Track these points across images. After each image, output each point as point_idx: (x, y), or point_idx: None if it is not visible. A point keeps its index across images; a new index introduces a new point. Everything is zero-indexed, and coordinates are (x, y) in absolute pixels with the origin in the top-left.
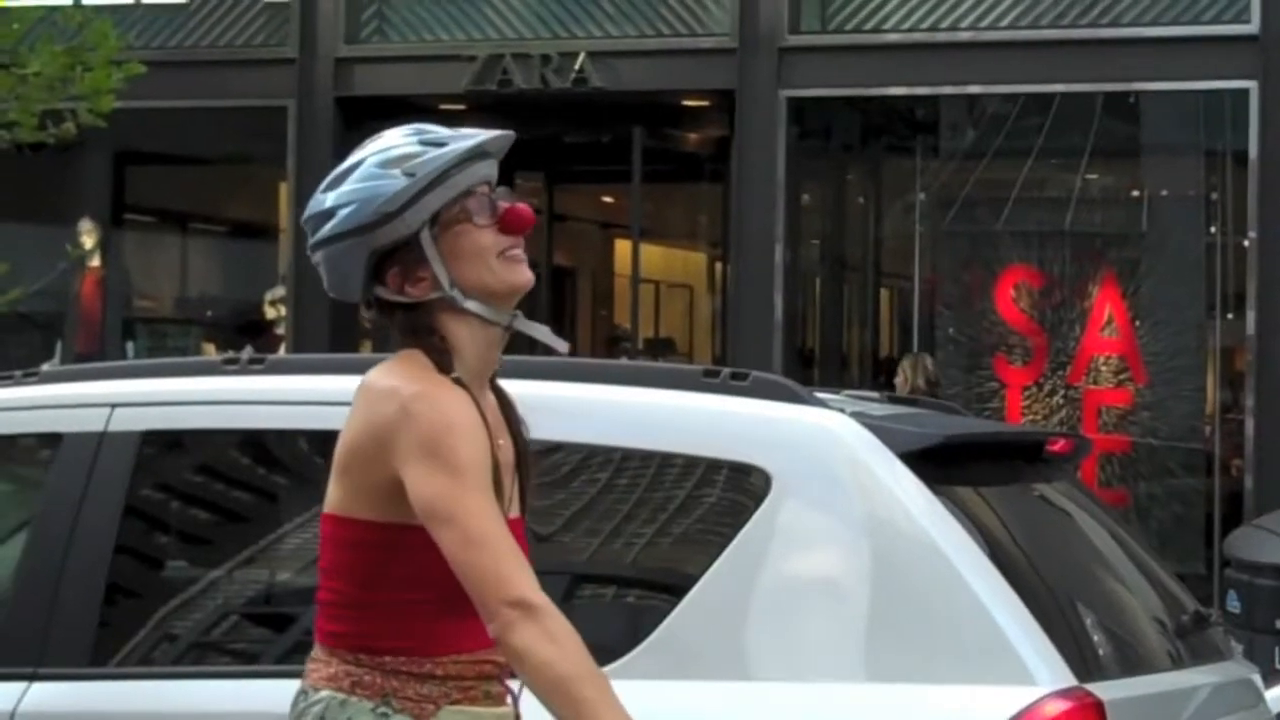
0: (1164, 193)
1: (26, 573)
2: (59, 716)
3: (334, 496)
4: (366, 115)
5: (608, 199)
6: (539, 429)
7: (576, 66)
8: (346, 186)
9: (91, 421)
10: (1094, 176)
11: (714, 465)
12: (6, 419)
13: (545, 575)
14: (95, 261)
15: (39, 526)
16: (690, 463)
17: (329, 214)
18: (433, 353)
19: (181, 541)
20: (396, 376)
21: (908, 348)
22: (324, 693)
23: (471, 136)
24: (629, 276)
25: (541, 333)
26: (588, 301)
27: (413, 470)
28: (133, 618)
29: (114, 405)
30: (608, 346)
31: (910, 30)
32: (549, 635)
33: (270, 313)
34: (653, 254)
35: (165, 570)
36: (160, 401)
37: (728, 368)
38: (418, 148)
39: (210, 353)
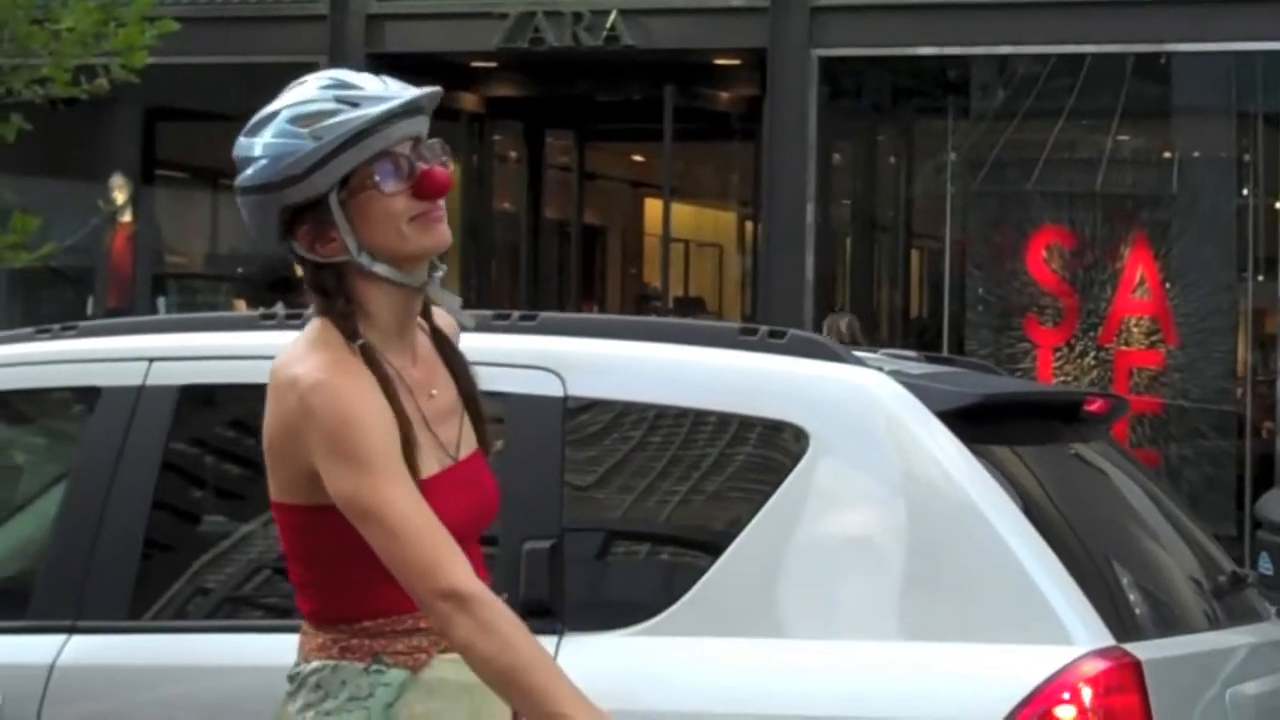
0: (1195, 154)
1: (65, 526)
2: (97, 669)
3: (270, 484)
4: (398, 72)
5: (638, 158)
6: (577, 385)
7: (608, 24)
8: (263, 138)
9: (129, 375)
10: (1125, 138)
11: (751, 423)
12: (45, 372)
13: (583, 531)
14: (126, 217)
15: (77, 480)
16: (728, 420)
17: (245, 162)
18: (338, 318)
19: (217, 496)
20: (297, 361)
21: (938, 308)
22: (315, 663)
23: (389, 98)
24: (659, 235)
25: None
26: (617, 260)
27: (323, 467)
28: (170, 571)
29: (152, 359)
30: (637, 305)
31: None
32: (486, 626)
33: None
34: (683, 213)
35: (201, 524)
36: (198, 356)
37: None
38: (331, 105)
39: (241, 309)
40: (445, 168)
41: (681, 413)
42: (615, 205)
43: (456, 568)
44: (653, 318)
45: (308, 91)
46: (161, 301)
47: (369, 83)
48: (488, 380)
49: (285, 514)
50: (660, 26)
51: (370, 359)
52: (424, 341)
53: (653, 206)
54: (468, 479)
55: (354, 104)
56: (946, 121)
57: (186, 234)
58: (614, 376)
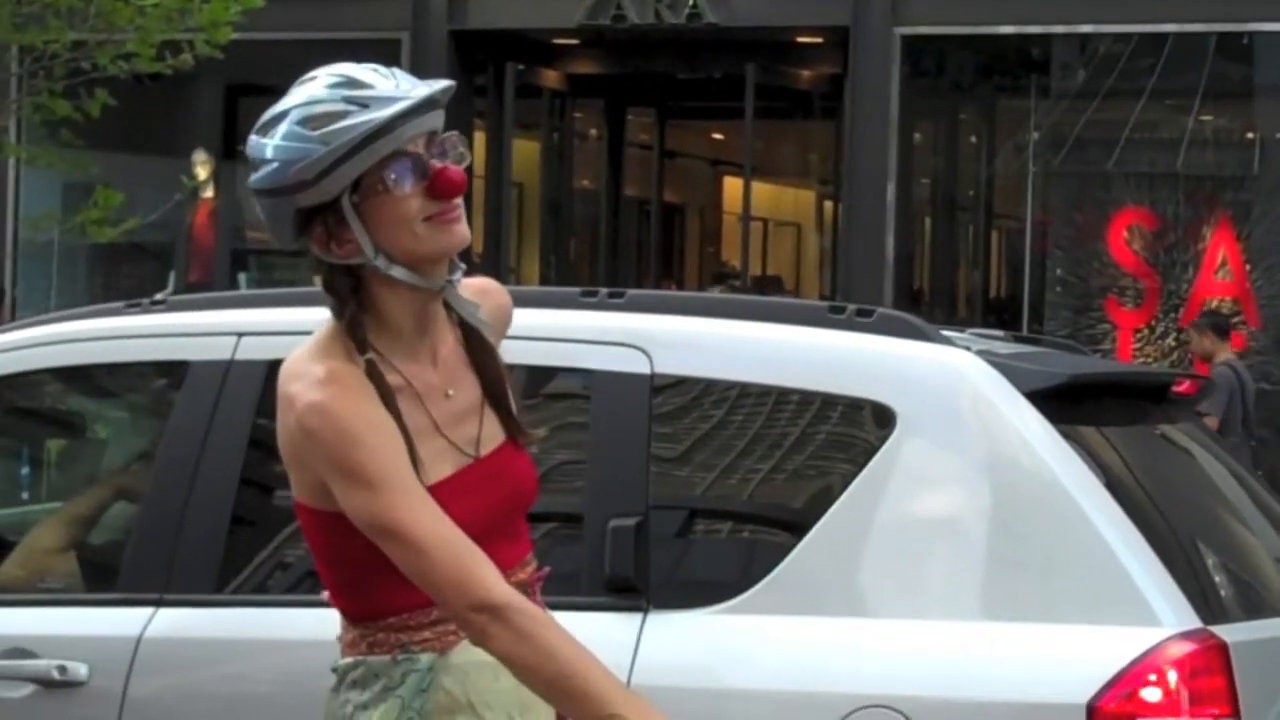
0: (1278, 135)
1: (153, 499)
2: (184, 641)
3: (291, 483)
4: (480, 48)
5: (718, 136)
6: (664, 363)
7: (690, 2)
8: (274, 139)
9: (219, 350)
10: (1207, 118)
11: (838, 401)
12: (135, 346)
13: (668, 509)
14: (208, 193)
15: (166, 453)
16: (815, 399)
17: (258, 163)
18: (349, 325)
19: None
20: (295, 376)
21: (1018, 288)
22: (347, 659)
23: (399, 98)
24: (738, 214)
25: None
26: (696, 238)
27: (333, 485)
28: (255, 546)
29: (241, 334)
30: (715, 283)
31: None
32: (525, 635)
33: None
34: (761, 191)
35: (286, 500)
36: (287, 331)
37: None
38: (340, 106)
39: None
40: (460, 164)
41: (768, 391)
42: (695, 183)
43: (487, 578)
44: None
45: (317, 90)
46: (242, 277)
47: (379, 81)
48: (575, 357)
49: (307, 515)
50: (742, 4)
51: (373, 372)
52: (450, 339)
53: (732, 185)
54: (492, 473)
55: (364, 105)
56: (1028, 101)
57: None
58: (701, 354)
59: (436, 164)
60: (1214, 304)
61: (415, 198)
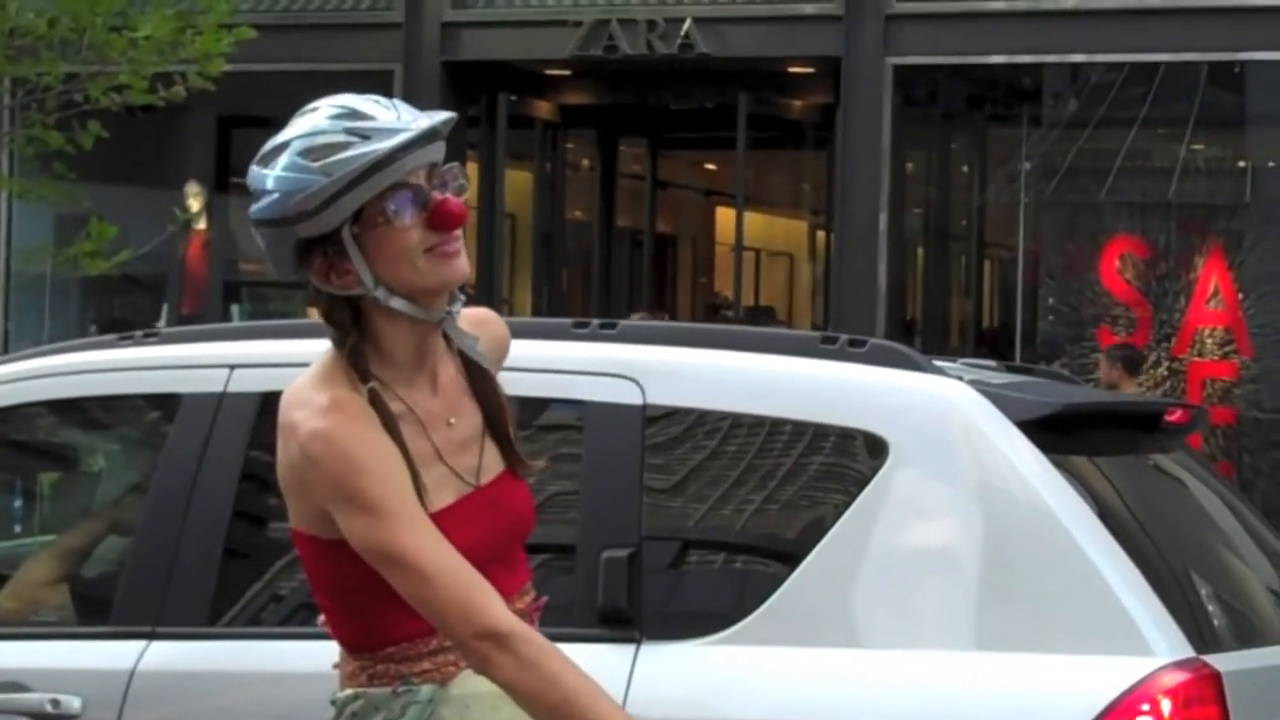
0: (1270, 164)
1: (146, 532)
2: (177, 674)
3: (289, 512)
4: (473, 79)
5: (710, 166)
6: (656, 393)
7: (682, 32)
8: (275, 170)
9: (211, 382)
10: (1199, 147)
11: (831, 432)
12: (127, 379)
13: (661, 540)
14: (201, 224)
15: (158, 486)
16: (808, 429)
17: (259, 194)
18: (350, 355)
19: None
20: (298, 405)
21: (1010, 317)
22: (347, 691)
23: (400, 130)
24: (731, 244)
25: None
26: (688, 268)
27: (336, 513)
28: (248, 578)
29: (233, 366)
30: (708, 314)
31: None
32: (529, 662)
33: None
34: (753, 221)
35: (279, 532)
36: (279, 363)
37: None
38: (341, 138)
39: (314, 317)
40: (461, 195)
41: (761, 421)
42: (687, 213)
43: (491, 606)
44: (733, 325)
45: (319, 121)
46: (235, 309)
47: (380, 112)
48: (567, 388)
49: (305, 544)
50: (734, 34)
51: (375, 399)
52: (450, 368)
53: (725, 215)
54: (492, 502)
55: (365, 136)
56: (1020, 130)
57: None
58: (694, 385)
59: (437, 196)
60: (1206, 333)
61: (416, 229)
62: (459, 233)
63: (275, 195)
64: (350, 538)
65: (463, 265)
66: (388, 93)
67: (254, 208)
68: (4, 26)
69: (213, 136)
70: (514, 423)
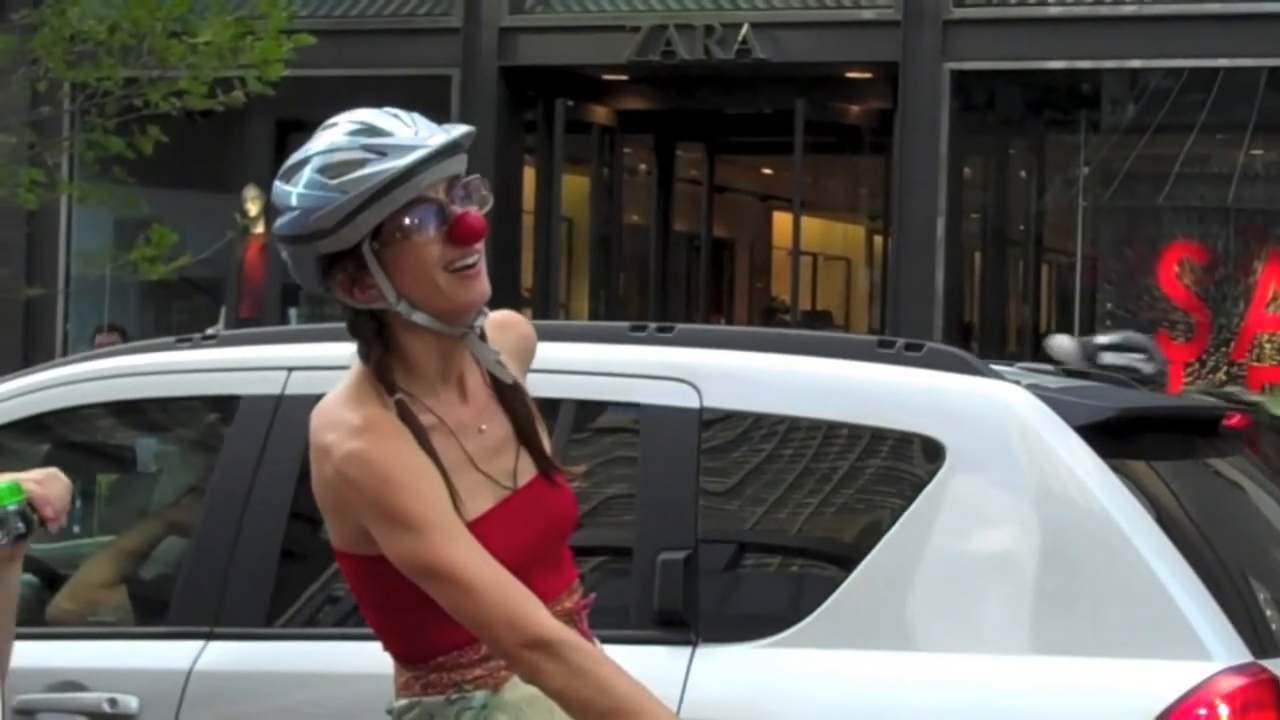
0: None
1: (204, 533)
2: (234, 675)
3: (329, 531)
4: (530, 84)
5: (768, 171)
6: (713, 396)
7: (740, 38)
8: (296, 186)
9: (269, 385)
10: (1258, 152)
11: (888, 436)
12: (186, 381)
13: (717, 543)
14: (259, 228)
15: (217, 487)
16: (865, 433)
17: (282, 210)
18: (376, 369)
19: None
20: (330, 426)
21: (1068, 323)
22: (402, 701)
23: (416, 146)
24: (788, 249)
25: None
26: (745, 273)
27: (375, 531)
28: (304, 579)
29: (291, 369)
30: (764, 318)
31: (1074, 4)
32: (578, 670)
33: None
34: (811, 226)
35: None
36: (336, 365)
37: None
38: (358, 154)
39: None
40: (480, 209)
41: (817, 425)
42: (744, 218)
43: (538, 614)
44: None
45: (336, 138)
46: (293, 312)
47: (399, 128)
48: (624, 391)
49: (347, 562)
50: (792, 39)
51: (404, 412)
52: (477, 375)
53: (781, 220)
54: (531, 504)
55: (382, 153)
56: (1078, 135)
57: None
58: (750, 388)
59: (457, 210)
60: (1264, 338)
61: (435, 244)
62: (480, 250)
63: (296, 212)
64: (391, 555)
65: (483, 287)
66: (445, 98)
67: (277, 224)
68: (65, 32)
69: (271, 141)
70: (544, 428)
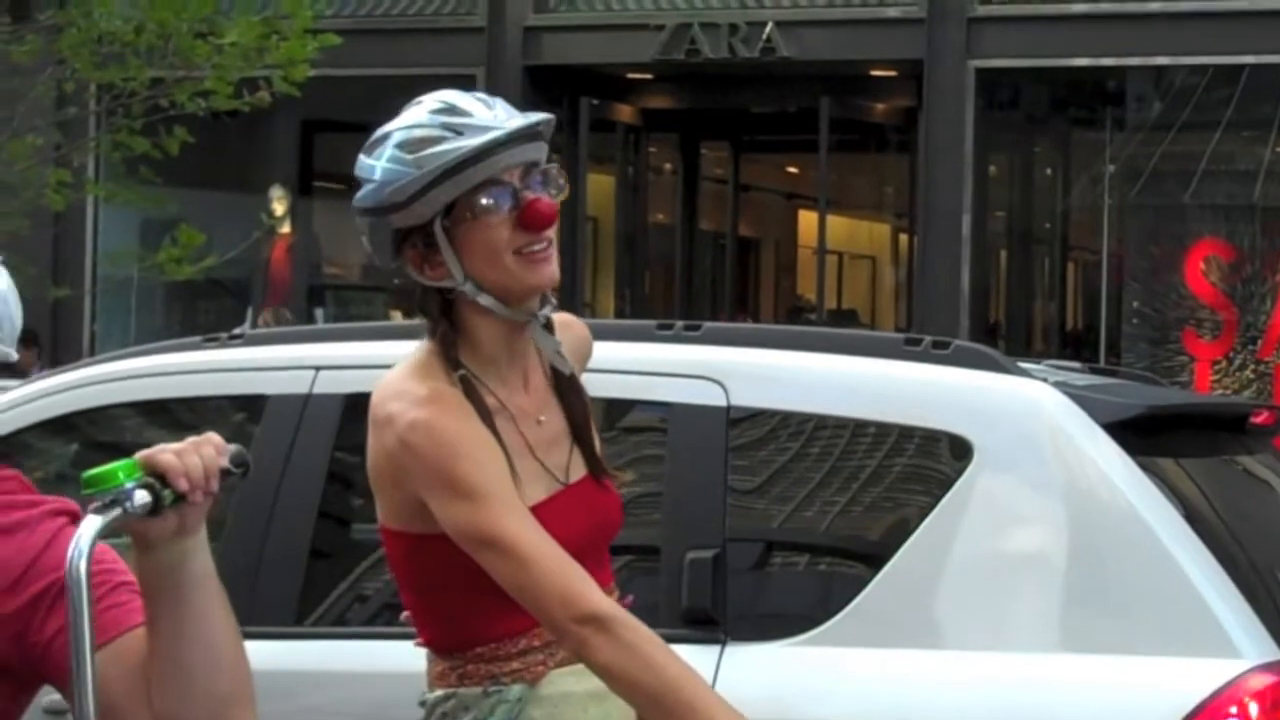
0: None
1: (232, 532)
2: (263, 674)
3: (378, 509)
4: (555, 83)
5: (793, 169)
6: (740, 395)
7: (764, 36)
8: (377, 159)
9: (296, 384)
10: None
11: (915, 433)
12: (214, 380)
13: (746, 541)
14: (285, 228)
15: (244, 486)
16: (892, 431)
17: (362, 182)
18: (441, 344)
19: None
20: (394, 396)
21: (1094, 321)
22: (438, 692)
23: (492, 128)
24: (813, 247)
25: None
26: (771, 272)
27: (434, 502)
28: (333, 578)
29: (318, 368)
30: (790, 317)
31: (1098, 1)
32: (628, 647)
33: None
34: (836, 224)
35: (363, 532)
36: (363, 365)
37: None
38: (436, 132)
39: (396, 319)
40: (553, 197)
41: (845, 423)
42: (769, 217)
43: (590, 591)
44: (817, 328)
45: (419, 115)
46: (319, 312)
47: (478, 109)
48: (651, 390)
49: (393, 540)
50: (816, 38)
51: (469, 389)
52: (538, 368)
53: (807, 218)
54: (580, 501)
55: (459, 132)
56: (1103, 133)
57: (343, 245)
58: (778, 387)
59: (529, 195)
60: None
61: (504, 227)
62: (550, 236)
63: (374, 184)
64: (447, 525)
65: (550, 271)
66: None
67: (356, 195)
68: (91, 33)
69: (296, 141)
70: (598, 429)
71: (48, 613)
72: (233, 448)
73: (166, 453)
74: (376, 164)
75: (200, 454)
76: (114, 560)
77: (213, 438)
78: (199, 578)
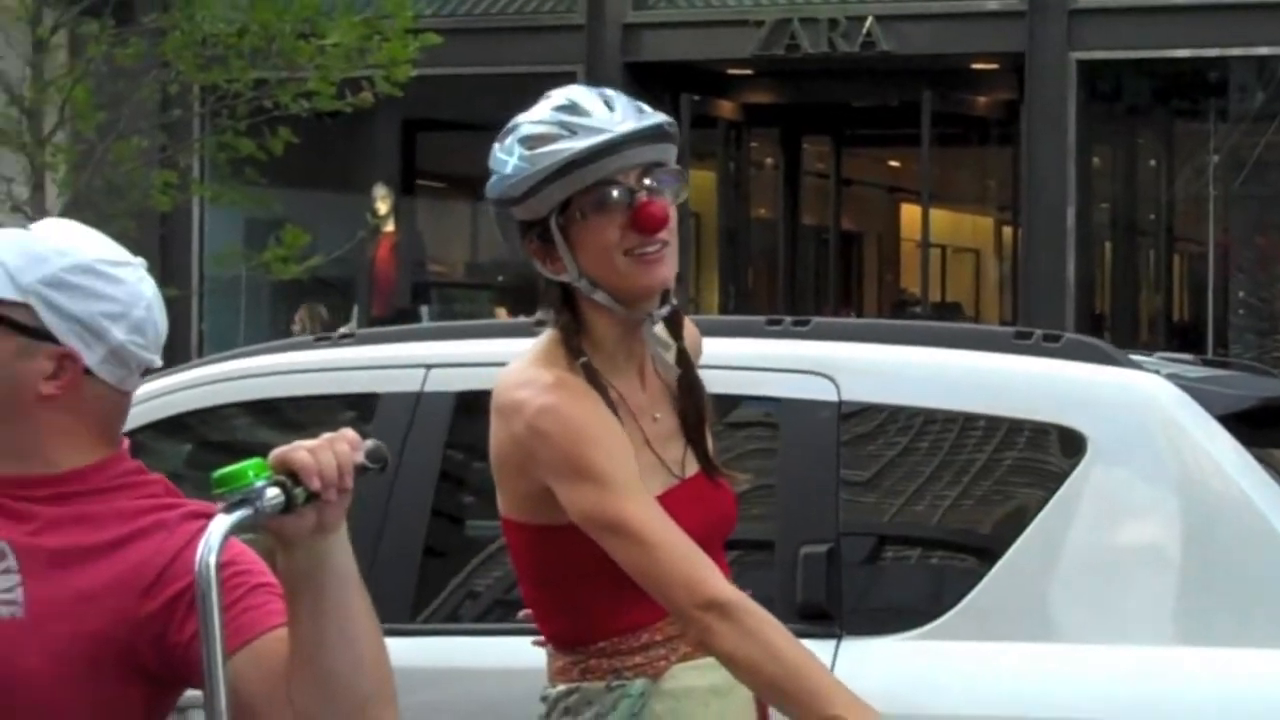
0: None
1: (346, 530)
2: None
3: (500, 500)
4: (655, 80)
5: (895, 163)
6: (851, 389)
7: (865, 30)
8: (503, 152)
9: (408, 382)
10: None
11: (1028, 427)
12: (326, 379)
13: (859, 535)
14: (389, 227)
15: (357, 485)
16: (1004, 424)
17: (491, 172)
18: (563, 333)
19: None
20: (521, 384)
21: (1200, 311)
22: (560, 687)
23: (603, 130)
24: (916, 240)
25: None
26: (874, 266)
27: (560, 487)
28: (446, 575)
29: (429, 366)
30: (894, 310)
31: None
32: (751, 633)
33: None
34: (939, 218)
35: (476, 528)
36: (474, 363)
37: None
38: (554, 130)
39: (502, 317)
40: (676, 199)
41: (957, 417)
42: (872, 211)
43: (714, 577)
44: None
45: (544, 110)
46: (424, 310)
47: (598, 109)
48: (762, 385)
49: (515, 532)
50: (917, 31)
51: (592, 378)
52: (645, 373)
53: (909, 212)
54: (695, 496)
55: (573, 132)
56: (1206, 124)
57: (447, 243)
58: (889, 381)
59: (643, 197)
60: None
61: (614, 228)
62: (664, 237)
63: (496, 176)
64: (573, 510)
65: (662, 272)
66: None
67: (487, 184)
68: (195, 35)
69: (398, 140)
70: (712, 429)
71: (186, 614)
72: (370, 443)
73: (300, 450)
74: (501, 156)
75: (335, 450)
76: (253, 562)
77: (348, 434)
78: (340, 576)
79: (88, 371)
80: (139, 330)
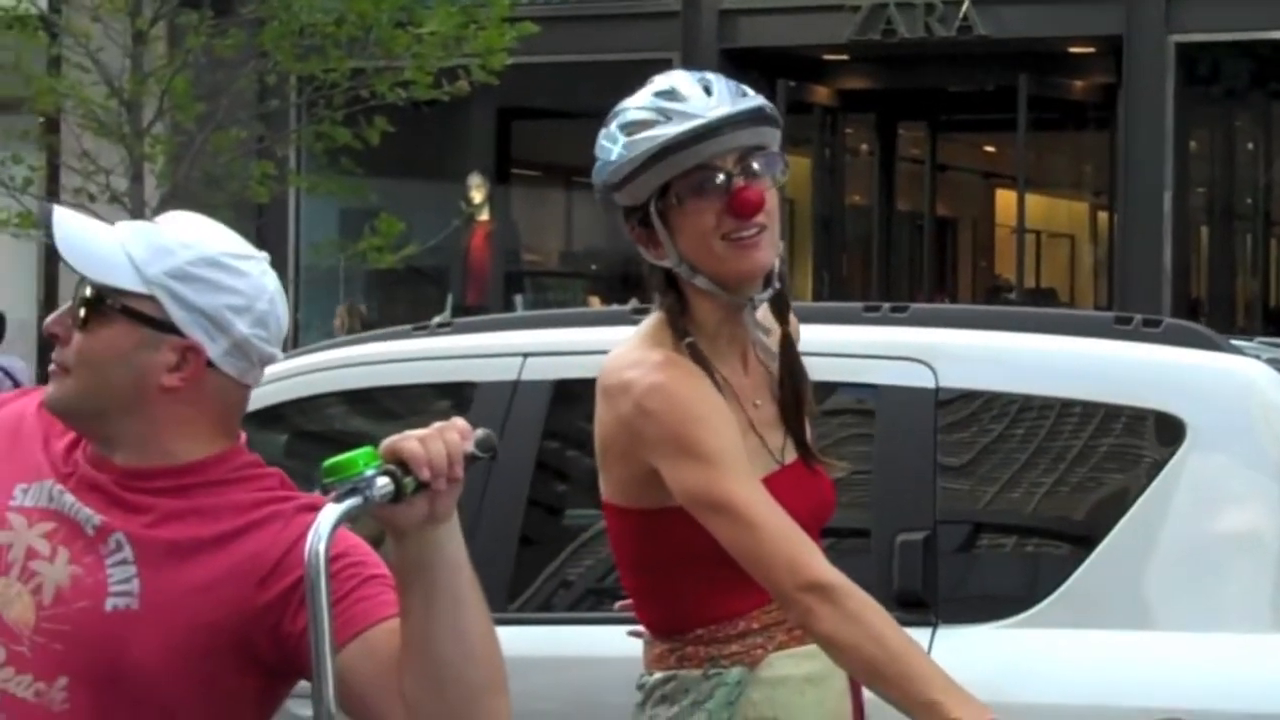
0: None
1: None
2: None
3: (603, 485)
4: (751, 66)
5: (990, 148)
6: (948, 376)
7: (961, 14)
8: (605, 138)
9: (505, 371)
10: None
11: (1127, 413)
12: (423, 368)
13: (956, 523)
14: (483, 216)
15: None
16: (1102, 410)
17: (597, 157)
18: (669, 314)
19: (590, 489)
20: (629, 365)
21: None
22: (656, 675)
23: (696, 116)
24: (1011, 226)
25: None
26: (969, 252)
27: (667, 466)
28: (542, 563)
29: (526, 355)
30: (989, 296)
31: None
32: (852, 616)
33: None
34: (1034, 203)
35: (572, 516)
36: (571, 351)
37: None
38: (651, 115)
39: (595, 305)
40: (774, 185)
41: (1055, 403)
42: (967, 196)
43: (817, 559)
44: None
45: (644, 95)
46: (519, 299)
47: (695, 95)
48: (859, 372)
49: (617, 517)
50: (1013, 15)
51: (698, 358)
52: (747, 358)
53: (1004, 197)
54: (795, 482)
55: (668, 117)
56: None
57: (541, 232)
58: (987, 367)
59: (739, 182)
60: None
61: (711, 213)
62: (761, 221)
63: (600, 162)
64: (678, 488)
65: (760, 257)
66: None
67: (593, 170)
68: (292, 26)
69: (493, 128)
70: (812, 418)
71: (300, 605)
72: (480, 432)
73: (410, 439)
74: (604, 142)
75: (445, 440)
76: (366, 553)
77: (458, 423)
78: (452, 566)
79: (210, 364)
80: (262, 323)
